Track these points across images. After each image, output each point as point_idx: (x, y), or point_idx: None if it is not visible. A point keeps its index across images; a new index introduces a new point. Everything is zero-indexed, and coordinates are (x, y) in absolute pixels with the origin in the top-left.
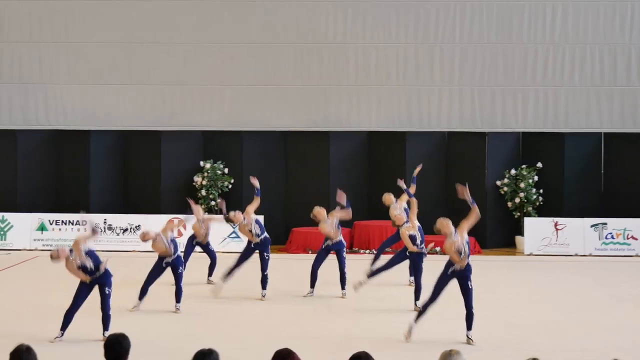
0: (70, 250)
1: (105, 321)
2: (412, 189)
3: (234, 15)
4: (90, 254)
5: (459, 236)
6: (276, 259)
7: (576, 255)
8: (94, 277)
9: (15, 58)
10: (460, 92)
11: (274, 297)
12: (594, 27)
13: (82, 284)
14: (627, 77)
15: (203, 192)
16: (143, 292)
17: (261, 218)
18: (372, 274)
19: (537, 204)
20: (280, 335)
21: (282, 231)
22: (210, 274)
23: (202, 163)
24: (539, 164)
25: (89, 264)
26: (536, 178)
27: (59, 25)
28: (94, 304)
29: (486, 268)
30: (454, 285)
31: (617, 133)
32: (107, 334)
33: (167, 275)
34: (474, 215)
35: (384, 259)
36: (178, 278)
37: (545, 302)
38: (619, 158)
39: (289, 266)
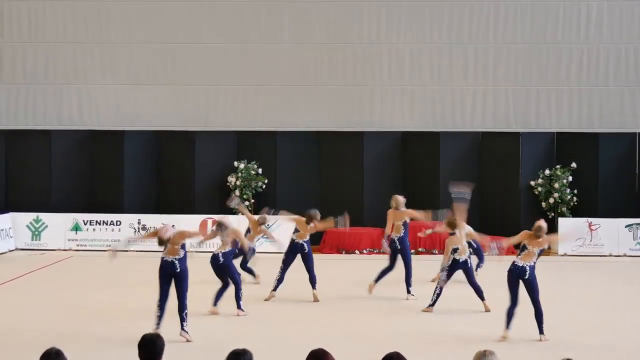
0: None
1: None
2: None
3: (268, 15)
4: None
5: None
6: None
7: (610, 255)
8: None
9: (49, 59)
10: (494, 92)
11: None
12: (629, 27)
13: (162, 276)
14: None
15: (237, 192)
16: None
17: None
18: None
19: (572, 204)
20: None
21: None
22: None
23: (235, 163)
24: (573, 164)
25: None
26: (570, 178)
27: (93, 26)
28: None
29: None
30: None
31: None
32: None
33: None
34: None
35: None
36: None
37: (583, 302)
38: None
39: (322, 266)
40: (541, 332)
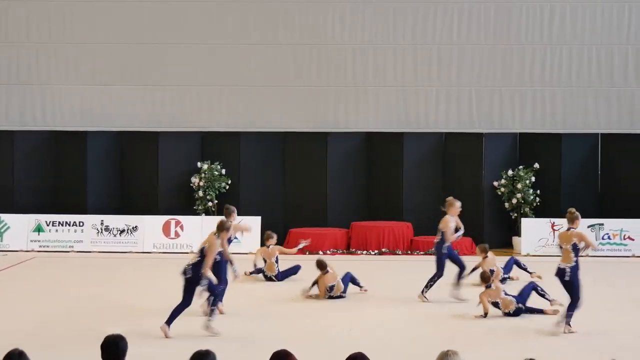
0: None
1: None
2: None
3: (233, 16)
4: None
5: None
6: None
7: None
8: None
9: (12, 59)
10: (457, 93)
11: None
12: (592, 27)
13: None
14: (624, 77)
15: (200, 193)
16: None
17: (258, 219)
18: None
19: (534, 204)
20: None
21: (279, 232)
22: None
23: (199, 164)
24: (536, 165)
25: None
26: (533, 179)
27: (57, 26)
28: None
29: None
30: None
31: (614, 134)
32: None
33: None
34: None
35: None
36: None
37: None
38: (616, 159)
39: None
40: (567, 323)
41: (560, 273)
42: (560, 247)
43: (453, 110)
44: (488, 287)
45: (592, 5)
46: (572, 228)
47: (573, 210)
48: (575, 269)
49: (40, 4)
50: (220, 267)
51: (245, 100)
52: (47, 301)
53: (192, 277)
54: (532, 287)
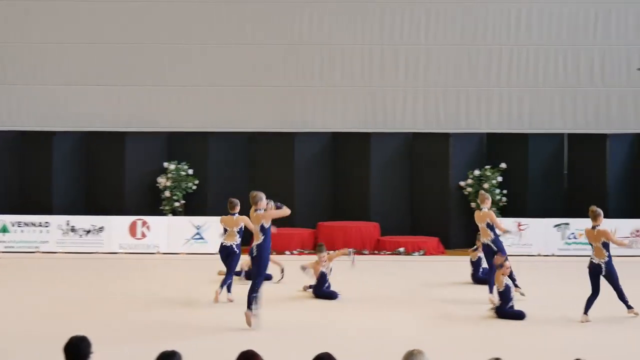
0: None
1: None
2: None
3: (199, 16)
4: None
5: None
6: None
7: (539, 255)
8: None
9: None
10: (425, 93)
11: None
12: (558, 29)
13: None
14: (590, 78)
15: (167, 194)
16: None
17: None
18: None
19: (501, 204)
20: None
21: (246, 232)
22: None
23: (165, 164)
24: (503, 165)
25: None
26: (500, 179)
27: (23, 26)
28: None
29: (451, 268)
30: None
31: (580, 134)
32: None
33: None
34: None
35: None
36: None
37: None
38: (582, 159)
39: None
40: (628, 307)
41: (596, 268)
42: (591, 245)
43: (420, 110)
44: (500, 266)
45: (559, 6)
46: (596, 226)
47: (594, 208)
48: (609, 263)
49: (4, 3)
50: (234, 258)
51: (213, 100)
52: (9, 303)
53: (258, 255)
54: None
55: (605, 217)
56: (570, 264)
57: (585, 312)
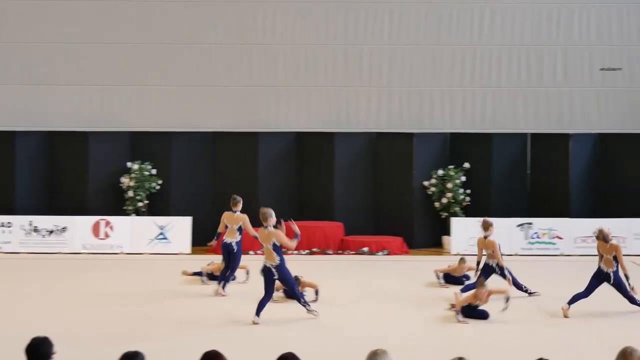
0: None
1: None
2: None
3: (163, 15)
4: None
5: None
6: (205, 260)
7: (502, 254)
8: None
9: None
10: (388, 93)
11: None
12: (521, 29)
13: None
14: (553, 78)
15: (130, 194)
16: None
17: (189, 219)
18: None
19: (464, 204)
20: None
21: (210, 232)
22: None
23: (129, 164)
24: (466, 165)
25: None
26: (463, 178)
27: None
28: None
29: (415, 268)
30: None
31: (543, 134)
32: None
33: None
34: None
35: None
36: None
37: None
38: (545, 158)
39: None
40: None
41: (606, 277)
42: (601, 255)
43: (384, 110)
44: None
45: (522, 6)
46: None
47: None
48: (617, 272)
49: None
50: (236, 256)
51: (176, 100)
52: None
53: (281, 278)
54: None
55: (567, 216)
56: (534, 263)
57: (569, 304)
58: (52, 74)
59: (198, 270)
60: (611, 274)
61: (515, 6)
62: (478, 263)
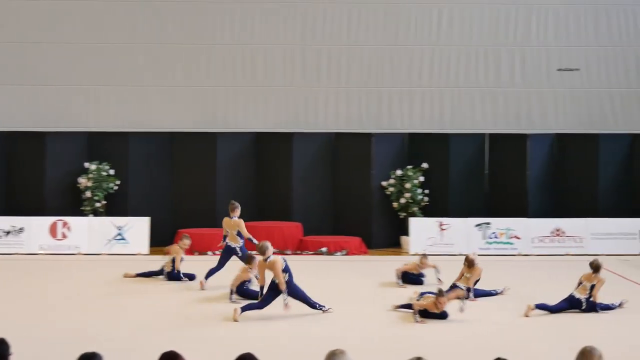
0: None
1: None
2: None
3: (123, 15)
4: None
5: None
6: (161, 261)
7: (460, 254)
8: None
9: None
10: (347, 93)
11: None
12: (479, 29)
13: None
14: (510, 78)
15: (88, 194)
16: None
17: (147, 219)
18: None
19: (423, 204)
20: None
21: (169, 232)
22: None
23: (86, 164)
24: (425, 165)
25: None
26: (422, 178)
27: None
28: None
29: (373, 268)
30: None
31: (501, 134)
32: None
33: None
34: None
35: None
36: None
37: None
38: (503, 159)
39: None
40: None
41: (577, 303)
42: (580, 283)
43: (342, 110)
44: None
45: (480, 7)
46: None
47: (598, 262)
48: (588, 299)
49: None
50: (227, 253)
51: (133, 100)
52: None
53: (291, 291)
54: None
55: (525, 216)
56: (491, 263)
57: (536, 306)
58: (6, 74)
59: (141, 271)
60: (583, 302)
61: (473, 7)
62: (469, 290)
